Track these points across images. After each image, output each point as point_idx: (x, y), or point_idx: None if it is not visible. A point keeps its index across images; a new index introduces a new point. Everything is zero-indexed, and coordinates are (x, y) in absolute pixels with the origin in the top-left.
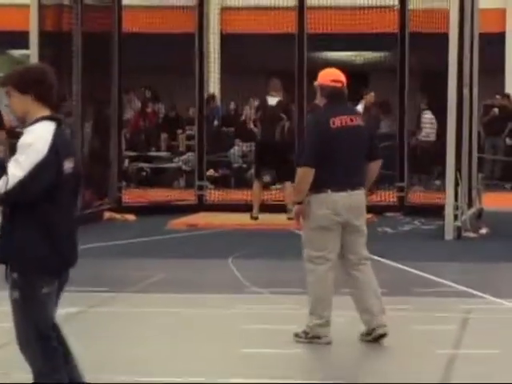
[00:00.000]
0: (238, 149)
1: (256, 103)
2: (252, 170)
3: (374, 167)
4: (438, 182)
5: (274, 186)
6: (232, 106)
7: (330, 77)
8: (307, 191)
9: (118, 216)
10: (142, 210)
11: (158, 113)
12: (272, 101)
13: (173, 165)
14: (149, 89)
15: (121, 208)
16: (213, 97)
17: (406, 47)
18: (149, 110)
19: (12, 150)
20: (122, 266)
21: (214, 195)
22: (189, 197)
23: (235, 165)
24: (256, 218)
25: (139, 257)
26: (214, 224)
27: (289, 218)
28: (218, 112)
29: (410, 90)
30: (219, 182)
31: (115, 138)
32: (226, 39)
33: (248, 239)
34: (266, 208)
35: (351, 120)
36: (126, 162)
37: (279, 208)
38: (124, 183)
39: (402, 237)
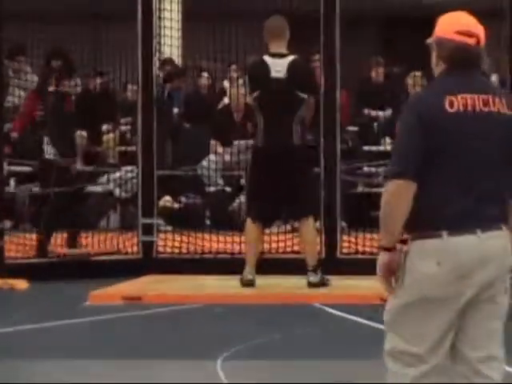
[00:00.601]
0: (216, 160)
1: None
2: (242, 199)
3: None
4: None
5: (277, 227)
6: (203, 80)
7: (456, 26)
8: (402, 227)
9: None
10: (40, 272)
11: (69, 95)
12: (276, 66)
13: (98, 188)
14: (54, 51)
15: (2, 268)
16: (170, 62)
17: None
18: (53, 88)
19: None
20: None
21: (171, 243)
22: (127, 246)
23: (210, 188)
24: (251, 284)
25: (37, 358)
26: (172, 296)
27: (311, 284)
28: (177, 92)
29: None
30: (181, 220)
31: None
32: None
33: (240, 323)
34: (266, 266)
35: (484, 102)
36: (12, 182)
37: (289, 266)
38: (8, 223)
39: None
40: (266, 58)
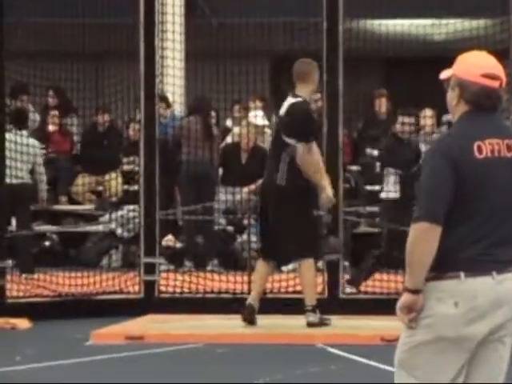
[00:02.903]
0: (220, 198)
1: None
2: (245, 237)
3: None
4: None
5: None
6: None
7: (481, 69)
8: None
9: None
10: (42, 311)
11: (70, 133)
12: (283, 108)
13: (99, 228)
14: (55, 89)
15: (4, 308)
16: (165, 100)
17: None
18: (54, 127)
19: None
20: None
21: (173, 283)
22: (129, 285)
23: (214, 227)
24: (252, 322)
25: None
26: (174, 336)
27: (310, 324)
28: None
29: None
30: (183, 259)
31: None
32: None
33: (242, 363)
34: (268, 306)
35: (509, 148)
36: (13, 222)
37: (291, 306)
38: (10, 263)
39: None
40: (287, 99)
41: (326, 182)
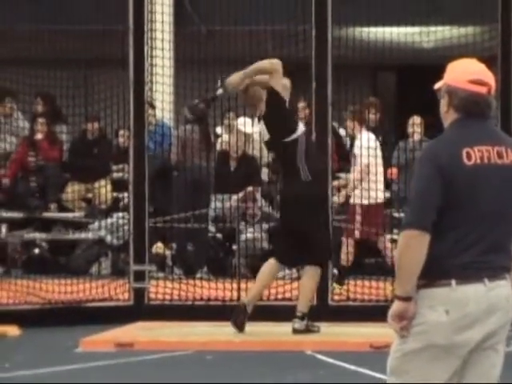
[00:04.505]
0: (214, 206)
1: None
2: (234, 247)
3: None
4: None
5: None
6: (189, 128)
7: (469, 75)
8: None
9: None
10: (31, 318)
11: (59, 141)
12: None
13: (89, 235)
14: (43, 96)
15: None
16: (151, 105)
17: None
18: (42, 135)
19: None
20: None
21: (163, 290)
22: (118, 293)
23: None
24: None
25: None
26: (164, 343)
27: (296, 331)
28: (165, 135)
29: None
30: (173, 266)
31: None
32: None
33: (231, 371)
34: (257, 313)
35: (499, 154)
36: (3, 230)
37: (279, 313)
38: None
39: None
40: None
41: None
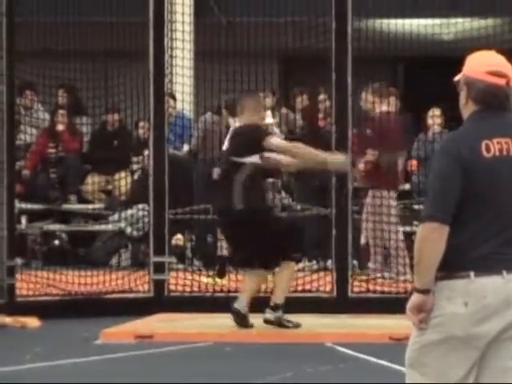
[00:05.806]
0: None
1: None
2: None
3: None
4: None
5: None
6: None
7: (488, 66)
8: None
9: (8, 321)
10: (51, 310)
11: (79, 132)
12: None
13: (109, 227)
14: (67, 89)
15: (13, 306)
16: (171, 97)
17: None
18: (63, 126)
19: None
20: None
21: (183, 282)
22: (138, 285)
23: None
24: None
25: None
26: (183, 334)
27: (266, 321)
28: (185, 127)
29: None
30: (192, 258)
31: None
32: None
33: (251, 362)
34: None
35: None
36: (23, 221)
37: (298, 305)
38: (19, 261)
39: None
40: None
41: (321, 153)
